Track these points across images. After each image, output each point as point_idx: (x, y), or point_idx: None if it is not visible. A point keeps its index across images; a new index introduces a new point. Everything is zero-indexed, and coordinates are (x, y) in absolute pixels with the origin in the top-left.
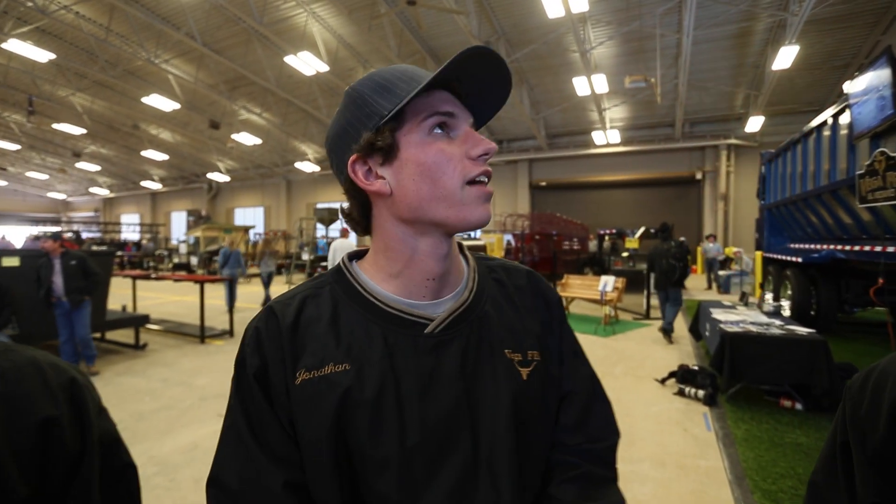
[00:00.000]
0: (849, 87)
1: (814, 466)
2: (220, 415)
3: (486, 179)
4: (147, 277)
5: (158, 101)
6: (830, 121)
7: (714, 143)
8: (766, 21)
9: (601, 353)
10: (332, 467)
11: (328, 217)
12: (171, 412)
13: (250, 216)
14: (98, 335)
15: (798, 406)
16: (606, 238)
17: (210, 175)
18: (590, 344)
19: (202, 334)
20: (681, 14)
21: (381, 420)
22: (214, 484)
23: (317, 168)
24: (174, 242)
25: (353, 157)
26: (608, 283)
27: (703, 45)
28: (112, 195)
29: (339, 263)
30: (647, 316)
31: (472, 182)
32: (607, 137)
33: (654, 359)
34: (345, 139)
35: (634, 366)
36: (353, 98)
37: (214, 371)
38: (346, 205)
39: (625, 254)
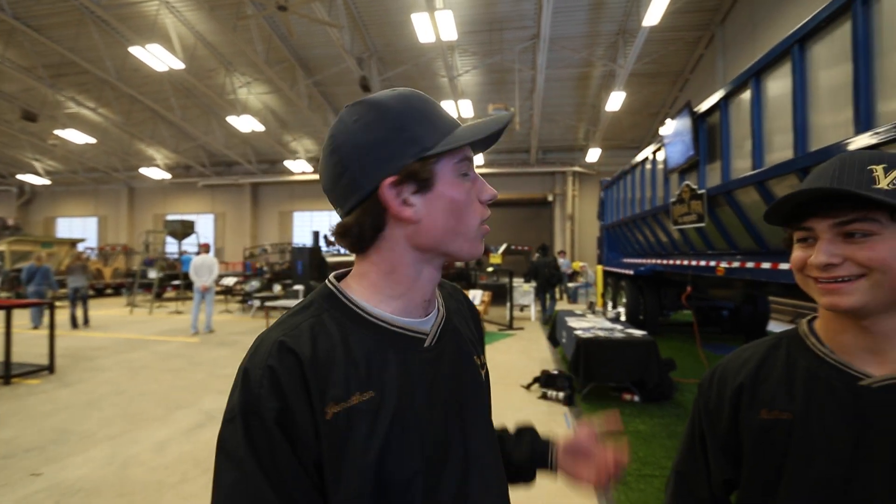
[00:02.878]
0: (663, 130)
1: (675, 458)
2: (34, 474)
3: None
4: None
5: None
6: (651, 157)
7: (562, 170)
8: (601, 69)
9: None
10: (373, 499)
11: (181, 230)
12: None
13: (79, 227)
14: None
15: (636, 398)
16: None
17: (22, 176)
18: None
19: (7, 373)
20: (535, 53)
21: (410, 440)
22: None
23: (167, 175)
24: None
25: (390, 180)
26: (475, 296)
27: (554, 83)
28: None
29: (326, 287)
30: (510, 327)
31: (482, 222)
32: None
33: (520, 366)
34: (374, 157)
35: (503, 374)
36: (389, 116)
37: (26, 418)
38: (340, 220)
39: (489, 269)
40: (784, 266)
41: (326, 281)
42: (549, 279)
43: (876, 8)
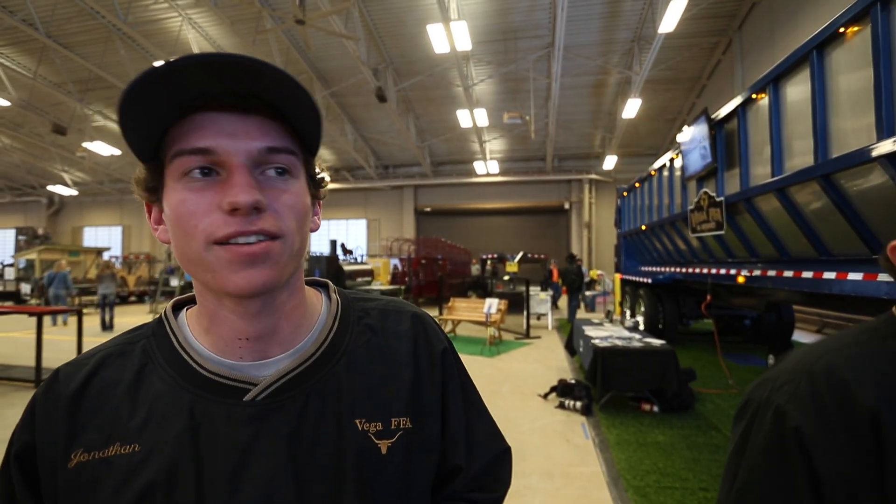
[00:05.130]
0: (680, 137)
1: None
2: None
3: (252, 240)
4: None
5: None
6: (668, 164)
7: (578, 178)
8: (617, 76)
9: (488, 372)
10: None
11: None
12: None
13: (104, 237)
14: None
15: (655, 409)
16: (488, 262)
17: (51, 188)
18: (477, 364)
19: (38, 377)
20: (549, 62)
21: None
22: None
23: None
24: None
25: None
26: (492, 305)
27: (569, 91)
28: None
29: (162, 312)
30: (527, 335)
31: (221, 242)
32: (487, 167)
33: (536, 376)
34: None
35: (519, 383)
36: None
37: None
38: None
39: (506, 277)
40: (807, 274)
41: (168, 304)
42: (571, 284)
43: None
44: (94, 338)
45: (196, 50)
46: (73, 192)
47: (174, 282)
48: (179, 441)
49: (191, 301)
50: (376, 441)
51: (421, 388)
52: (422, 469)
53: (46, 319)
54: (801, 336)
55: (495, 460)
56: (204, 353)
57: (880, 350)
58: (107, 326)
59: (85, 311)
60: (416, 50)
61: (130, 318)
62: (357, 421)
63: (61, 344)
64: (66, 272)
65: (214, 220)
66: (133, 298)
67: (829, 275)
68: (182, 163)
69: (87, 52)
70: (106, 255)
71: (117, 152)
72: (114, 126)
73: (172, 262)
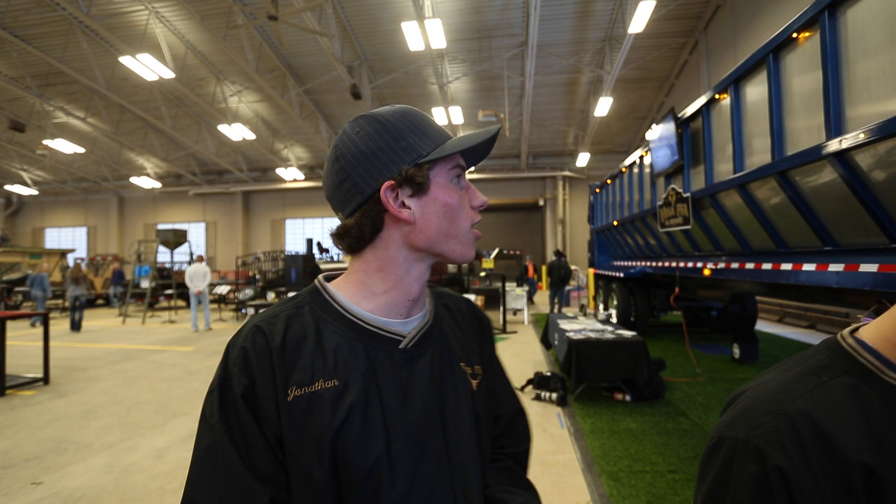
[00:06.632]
0: (649, 135)
1: None
2: (35, 483)
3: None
4: None
5: None
6: (638, 161)
7: (552, 175)
8: (589, 75)
9: None
10: (326, 481)
11: (174, 239)
12: None
13: (68, 238)
14: None
15: (627, 398)
16: None
17: (9, 187)
18: None
19: (1, 384)
20: (523, 60)
21: (370, 430)
22: None
23: (157, 184)
24: None
25: (388, 183)
26: None
27: (542, 89)
28: None
29: (314, 284)
30: (503, 330)
31: (472, 226)
32: None
33: (513, 369)
34: (374, 163)
35: None
36: (387, 128)
37: (23, 429)
38: (338, 223)
39: (482, 273)
40: (766, 266)
41: (316, 279)
42: (562, 278)
43: (842, 20)
44: (62, 342)
45: (164, 45)
46: (34, 191)
47: (145, 283)
48: (366, 376)
49: (331, 278)
50: (471, 379)
51: (481, 349)
52: (490, 408)
53: (26, 321)
54: (764, 326)
55: (517, 415)
56: (363, 313)
57: (847, 399)
58: (76, 327)
59: (52, 315)
60: (391, 47)
61: (99, 321)
62: (461, 363)
63: (27, 350)
64: (44, 275)
65: (471, 213)
66: (101, 301)
67: (786, 266)
68: (457, 171)
69: (46, 45)
70: (71, 257)
71: (81, 150)
72: (77, 122)
73: (142, 264)
